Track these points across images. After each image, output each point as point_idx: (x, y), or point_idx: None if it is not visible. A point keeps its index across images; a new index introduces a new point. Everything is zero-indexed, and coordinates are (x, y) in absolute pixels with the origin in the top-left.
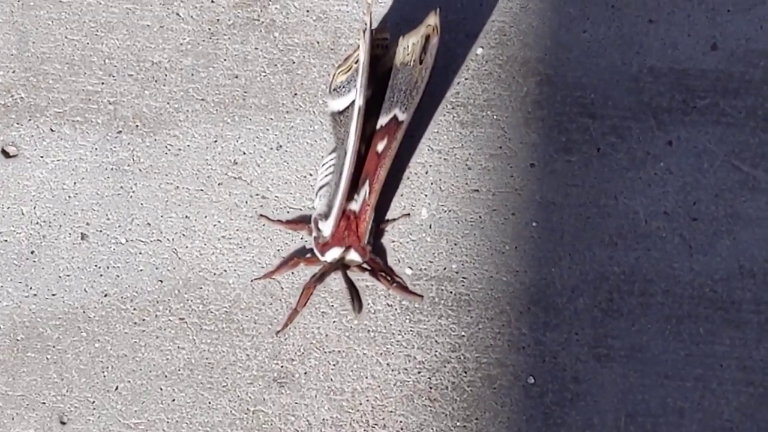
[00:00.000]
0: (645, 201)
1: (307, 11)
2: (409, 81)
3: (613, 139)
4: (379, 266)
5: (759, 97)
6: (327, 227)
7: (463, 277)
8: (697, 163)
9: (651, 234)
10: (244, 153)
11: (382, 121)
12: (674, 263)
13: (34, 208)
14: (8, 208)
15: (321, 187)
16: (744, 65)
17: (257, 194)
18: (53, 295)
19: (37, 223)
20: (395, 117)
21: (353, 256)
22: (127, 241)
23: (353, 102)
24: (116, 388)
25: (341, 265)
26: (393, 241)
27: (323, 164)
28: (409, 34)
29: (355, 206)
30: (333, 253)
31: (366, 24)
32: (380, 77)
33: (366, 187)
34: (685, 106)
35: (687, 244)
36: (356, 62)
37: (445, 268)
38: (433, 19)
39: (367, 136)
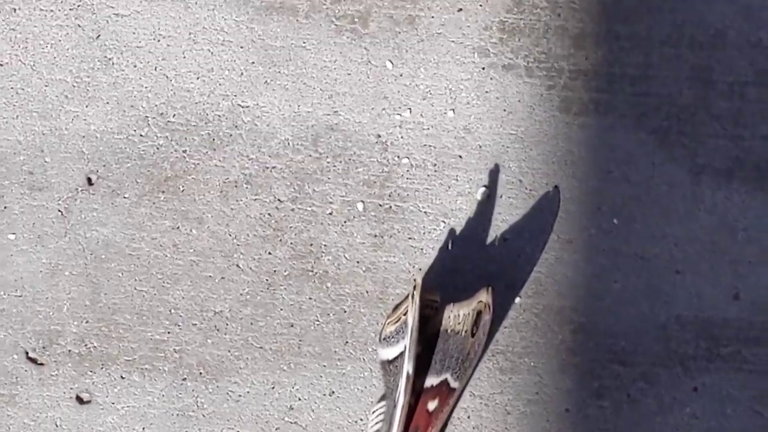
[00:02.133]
0: None
1: (357, 262)
2: (461, 350)
3: (643, 385)
4: None
5: None
6: None
7: None
8: (721, 409)
9: None
10: (300, 399)
11: (433, 381)
12: None
13: None
14: None
15: None
16: (765, 315)
17: None
18: None
19: None
20: (447, 382)
21: None
22: None
23: (402, 353)
24: None
25: None
26: None
27: (373, 411)
28: (460, 303)
29: None
30: None
31: (414, 298)
32: (430, 335)
33: None
34: (710, 353)
35: None
36: (404, 314)
37: None
38: (485, 296)
39: (416, 390)
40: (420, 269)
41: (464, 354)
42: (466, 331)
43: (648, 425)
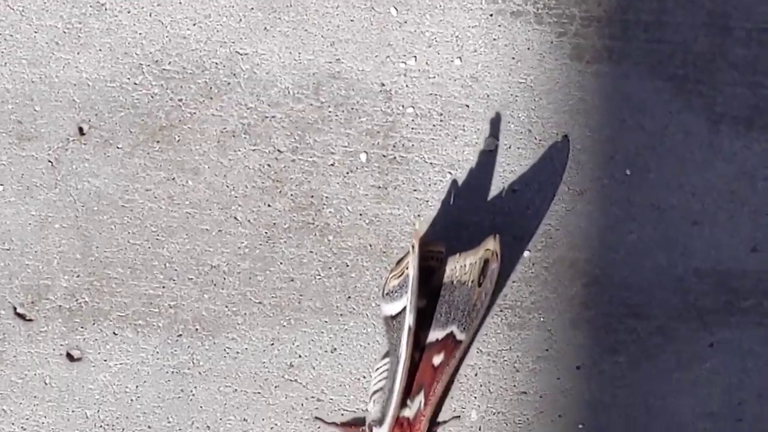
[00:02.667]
0: (691, 402)
1: (360, 215)
2: (467, 301)
3: (660, 340)
4: None
5: None
6: None
7: None
8: (741, 364)
9: None
10: (300, 356)
11: (438, 334)
12: None
13: (98, 411)
14: (73, 411)
15: (375, 392)
16: None
17: (312, 397)
18: None
19: (101, 426)
20: (452, 335)
21: None
22: None
23: (405, 308)
24: None
25: None
26: None
27: (377, 368)
28: (466, 253)
29: (409, 413)
30: None
31: (414, 246)
32: (435, 288)
33: (421, 398)
34: (729, 307)
35: None
36: (408, 268)
37: None
38: (492, 244)
39: (421, 345)
40: (419, 216)
41: (470, 305)
42: (472, 281)
43: (666, 381)
